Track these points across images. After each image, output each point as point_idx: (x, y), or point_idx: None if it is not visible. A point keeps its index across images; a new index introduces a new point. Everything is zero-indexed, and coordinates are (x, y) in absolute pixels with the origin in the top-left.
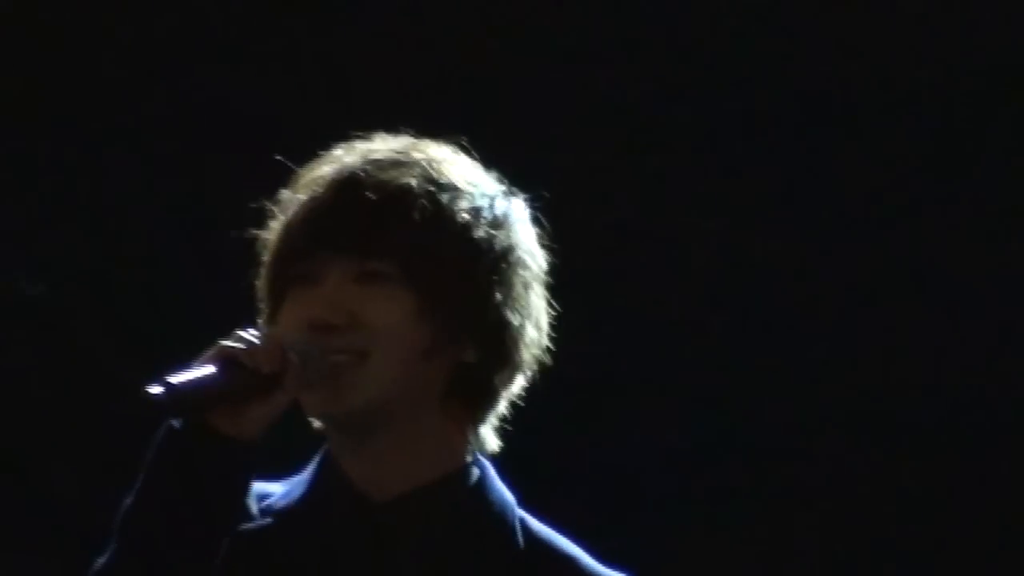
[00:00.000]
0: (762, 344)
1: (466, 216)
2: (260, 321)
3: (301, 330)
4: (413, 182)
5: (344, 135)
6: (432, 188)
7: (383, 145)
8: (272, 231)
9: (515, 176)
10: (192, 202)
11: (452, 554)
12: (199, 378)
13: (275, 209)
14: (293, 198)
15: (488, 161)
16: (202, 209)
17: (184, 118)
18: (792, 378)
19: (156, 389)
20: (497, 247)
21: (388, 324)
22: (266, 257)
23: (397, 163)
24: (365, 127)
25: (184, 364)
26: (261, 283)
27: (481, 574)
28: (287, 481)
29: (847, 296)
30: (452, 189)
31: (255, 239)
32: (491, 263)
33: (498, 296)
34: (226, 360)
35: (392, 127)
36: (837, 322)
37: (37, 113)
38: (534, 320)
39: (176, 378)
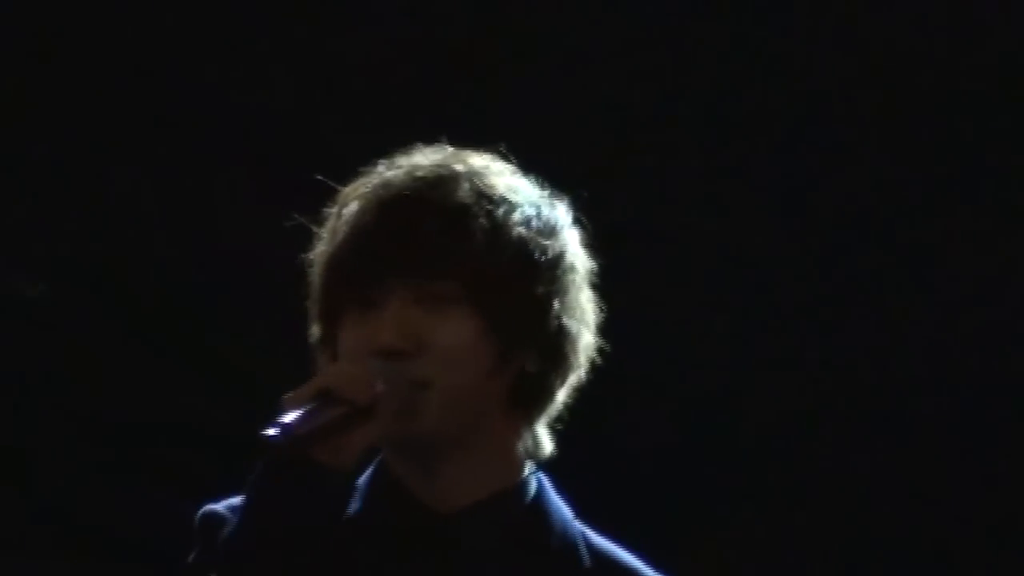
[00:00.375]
0: (761, 344)
1: (521, 229)
2: (314, 343)
3: (364, 355)
4: (468, 200)
5: (344, 135)
6: (487, 204)
7: (425, 160)
8: (322, 252)
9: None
10: (192, 202)
11: (519, 569)
12: (305, 416)
13: (320, 228)
14: (341, 218)
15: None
16: (202, 210)
17: (184, 118)
18: (792, 377)
19: (272, 431)
20: (551, 256)
21: (454, 348)
22: (318, 278)
23: (445, 179)
24: (364, 126)
25: (273, 403)
26: (314, 305)
27: None
28: None
29: (847, 296)
30: (504, 203)
31: (258, 240)
32: (547, 273)
33: (556, 305)
34: (325, 395)
35: (392, 126)
36: (837, 322)
37: (34, 113)
38: (587, 323)
39: (287, 418)
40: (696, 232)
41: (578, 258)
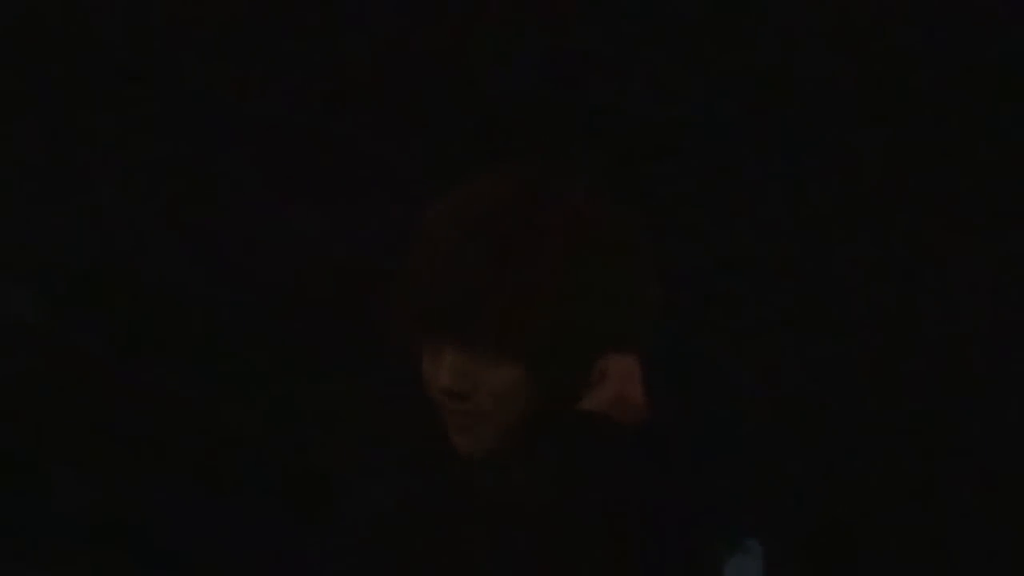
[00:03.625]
0: (759, 342)
1: (581, 308)
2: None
3: (432, 389)
4: (533, 281)
5: (341, 134)
6: (551, 285)
7: (500, 210)
8: (402, 291)
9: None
10: (186, 206)
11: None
12: None
13: (404, 267)
14: (420, 256)
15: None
16: (196, 212)
17: (178, 119)
18: (788, 376)
19: None
20: (604, 329)
21: (504, 393)
22: (399, 315)
23: (514, 253)
24: (364, 126)
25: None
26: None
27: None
28: None
29: (846, 293)
30: (573, 281)
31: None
32: (597, 341)
33: (592, 356)
34: None
35: (395, 127)
36: (835, 319)
37: (26, 118)
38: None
39: None
40: (694, 230)
41: (614, 297)
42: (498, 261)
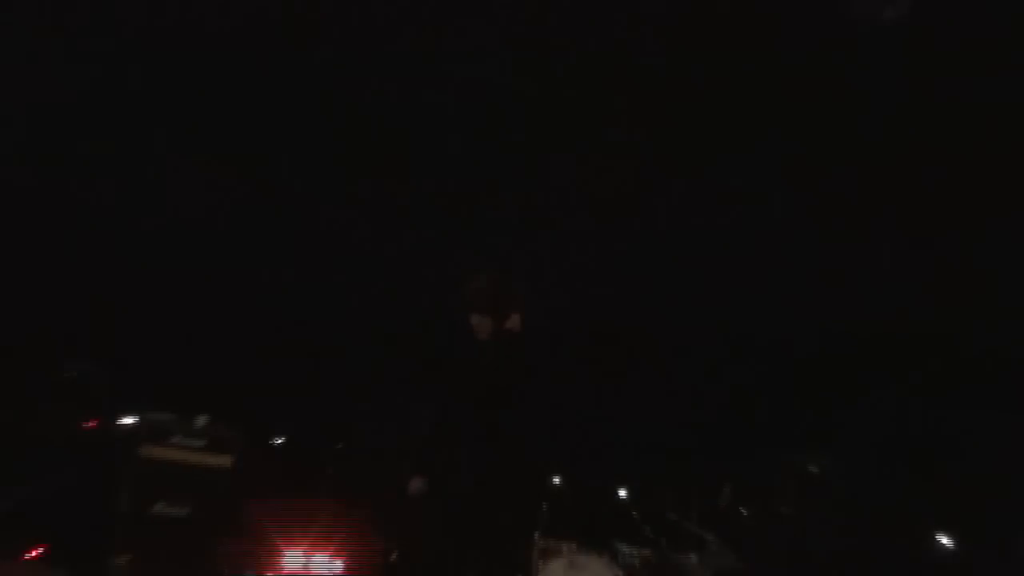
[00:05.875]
0: (757, 340)
1: (501, 304)
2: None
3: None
4: (488, 301)
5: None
6: (490, 302)
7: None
8: (464, 298)
9: (518, 181)
10: (170, 202)
11: None
12: None
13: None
14: (467, 296)
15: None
16: (192, 212)
17: (165, 119)
18: (787, 374)
19: None
20: (505, 307)
21: (487, 324)
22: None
23: (484, 295)
24: (367, 126)
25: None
26: None
27: None
28: None
29: (843, 288)
30: (493, 300)
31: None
32: (505, 310)
33: (507, 314)
34: None
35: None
36: (833, 317)
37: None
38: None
39: None
40: (694, 231)
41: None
42: (484, 299)
